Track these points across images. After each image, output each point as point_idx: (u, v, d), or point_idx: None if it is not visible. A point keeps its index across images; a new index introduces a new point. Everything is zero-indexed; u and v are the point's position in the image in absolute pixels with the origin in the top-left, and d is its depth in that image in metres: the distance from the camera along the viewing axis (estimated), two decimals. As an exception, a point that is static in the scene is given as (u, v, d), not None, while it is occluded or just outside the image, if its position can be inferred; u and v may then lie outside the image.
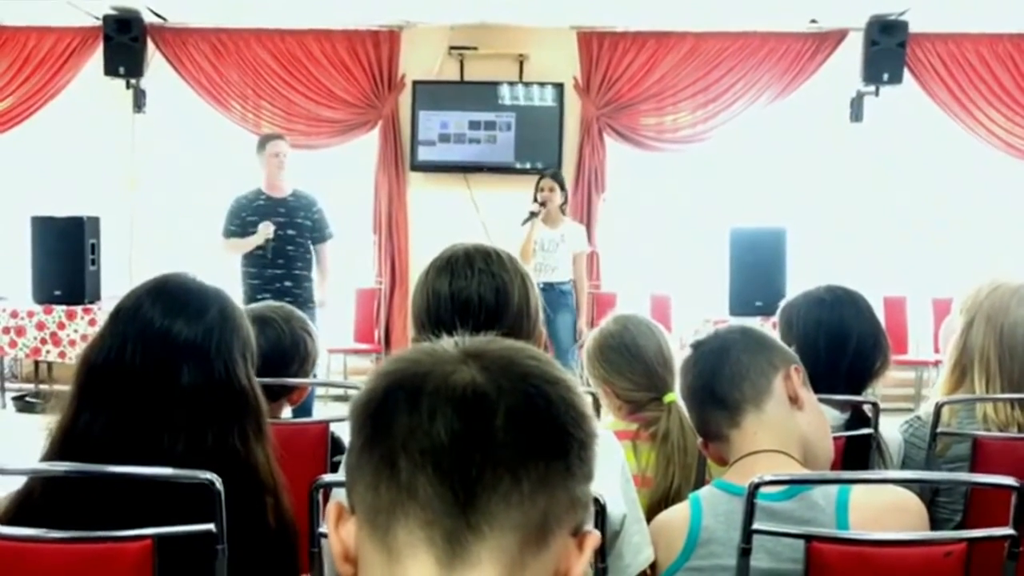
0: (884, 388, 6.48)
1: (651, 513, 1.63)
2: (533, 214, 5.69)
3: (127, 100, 7.03)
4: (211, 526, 1.35)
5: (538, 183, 5.86)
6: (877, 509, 1.34)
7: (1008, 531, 1.34)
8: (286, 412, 2.29)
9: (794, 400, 1.45)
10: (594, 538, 0.73)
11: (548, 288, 5.67)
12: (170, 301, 1.46)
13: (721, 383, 1.46)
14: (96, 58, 6.89)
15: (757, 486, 1.32)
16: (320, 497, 1.41)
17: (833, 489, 1.36)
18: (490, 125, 6.92)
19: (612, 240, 7.07)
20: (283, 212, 5.27)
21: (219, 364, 1.44)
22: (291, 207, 5.29)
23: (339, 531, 0.74)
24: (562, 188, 5.86)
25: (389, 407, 0.71)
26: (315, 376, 5.30)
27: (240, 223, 5.27)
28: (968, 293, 2.00)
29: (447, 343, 0.76)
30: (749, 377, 1.45)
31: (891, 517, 1.34)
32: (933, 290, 6.49)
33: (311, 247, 5.36)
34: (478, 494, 0.68)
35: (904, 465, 1.98)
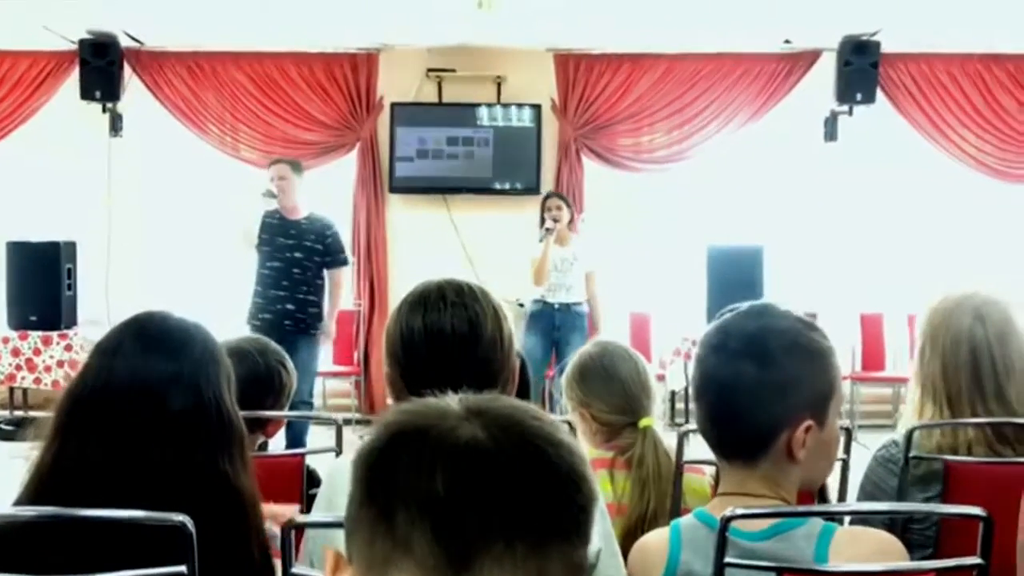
0: (861, 405, 6.57)
1: (627, 539, 1.62)
2: (548, 230, 5.70)
3: (103, 124, 6.99)
4: (183, 568, 1.34)
5: (544, 203, 5.92)
6: (860, 553, 1.31)
7: (976, 560, 1.35)
8: (279, 444, 2.27)
9: (791, 456, 1.36)
10: None
11: (564, 309, 5.77)
12: (152, 340, 1.47)
13: (725, 433, 1.41)
14: (72, 82, 6.85)
15: (729, 520, 1.32)
16: (293, 537, 1.40)
17: (816, 529, 1.34)
18: (468, 141, 6.95)
19: (591, 259, 7.08)
20: (293, 234, 5.26)
21: (208, 393, 1.45)
22: (302, 229, 5.28)
23: None
24: (568, 206, 5.92)
25: (389, 460, 0.71)
26: (312, 406, 5.25)
27: (259, 240, 5.29)
28: (923, 313, 1.99)
29: (451, 399, 0.75)
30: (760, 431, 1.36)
31: (875, 562, 1.31)
32: (909, 307, 6.55)
33: (322, 273, 5.32)
34: (471, 555, 0.67)
35: (877, 489, 1.98)
